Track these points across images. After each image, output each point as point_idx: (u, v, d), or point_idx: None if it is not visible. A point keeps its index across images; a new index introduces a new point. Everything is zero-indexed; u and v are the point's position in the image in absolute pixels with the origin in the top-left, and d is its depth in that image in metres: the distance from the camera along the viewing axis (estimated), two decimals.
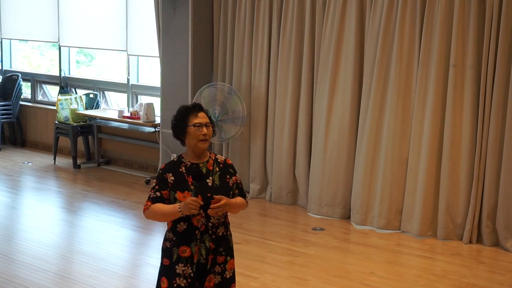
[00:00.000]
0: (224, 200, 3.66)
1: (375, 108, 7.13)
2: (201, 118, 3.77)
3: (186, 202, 3.60)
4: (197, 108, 3.81)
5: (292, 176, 7.95)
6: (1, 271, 5.88)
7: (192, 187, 3.68)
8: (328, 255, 6.44)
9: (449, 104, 6.74)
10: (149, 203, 3.73)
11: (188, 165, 3.77)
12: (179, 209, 3.63)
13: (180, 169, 3.75)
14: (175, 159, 3.82)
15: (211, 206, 3.63)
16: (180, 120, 3.79)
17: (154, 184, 3.76)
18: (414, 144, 6.97)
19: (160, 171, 3.78)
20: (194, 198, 3.61)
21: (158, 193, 3.72)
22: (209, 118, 3.83)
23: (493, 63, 6.50)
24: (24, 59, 11.61)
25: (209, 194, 3.69)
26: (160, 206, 3.69)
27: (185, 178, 3.72)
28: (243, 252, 6.38)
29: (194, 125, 3.74)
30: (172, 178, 3.73)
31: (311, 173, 7.66)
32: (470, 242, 6.76)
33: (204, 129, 3.75)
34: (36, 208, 7.86)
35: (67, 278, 5.78)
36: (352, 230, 7.23)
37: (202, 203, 3.64)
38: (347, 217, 7.52)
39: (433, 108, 6.80)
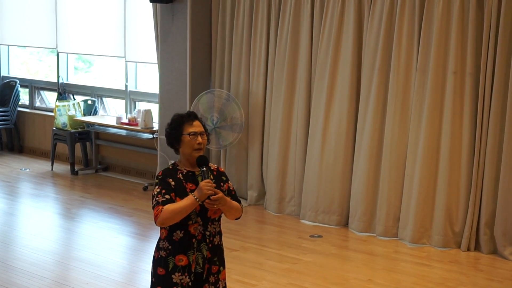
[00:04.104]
0: (221, 193, 3.64)
1: (375, 115, 7.13)
2: (196, 127, 3.75)
3: (200, 187, 3.59)
4: (192, 116, 3.78)
5: (289, 184, 7.93)
6: None
7: (200, 174, 3.70)
8: (326, 262, 6.44)
9: (448, 111, 6.74)
10: (160, 207, 3.61)
11: (184, 172, 3.75)
12: (195, 197, 3.60)
13: (178, 176, 3.73)
14: (170, 167, 3.79)
15: (211, 197, 3.60)
16: (175, 129, 3.76)
17: (158, 190, 3.67)
18: (412, 151, 6.97)
19: (160, 177, 3.72)
20: (206, 180, 3.62)
21: (167, 196, 3.64)
22: (204, 126, 3.81)
23: (492, 70, 6.51)
24: (22, 65, 11.61)
25: (206, 200, 3.65)
26: (173, 205, 3.61)
27: (183, 185, 3.70)
28: (241, 259, 6.37)
29: (189, 134, 3.72)
30: (173, 183, 3.69)
31: (307, 180, 7.65)
32: (468, 249, 6.76)
33: (199, 138, 3.73)
34: (34, 215, 7.85)
35: (64, 284, 5.77)
36: (350, 237, 7.22)
37: (214, 184, 3.65)
38: (343, 224, 7.51)
39: (431, 115, 6.80)
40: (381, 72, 7.07)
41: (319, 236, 7.19)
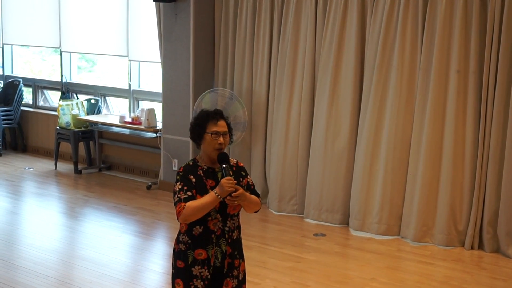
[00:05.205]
0: (241, 190, 3.68)
1: (378, 114, 7.13)
2: (220, 126, 3.77)
3: (221, 184, 3.63)
4: (218, 115, 3.80)
5: (292, 182, 7.92)
6: (2, 276, 5.88)
7: (220, 171, 3.74)
8: (329, 261, 6.44)
9: (451, 110, 6.74)
10: (183, 204, 3.65)
11: (204, 169, 3.78)
12: (216, 194, 3.64)
13: (198, 173, 3.76)
14: (190, 163, 3.82)
15: (232, 194, 3.64)
16: (198, 126, 3.79)
17: (180, 187, 3.70)
18: (415, 149, 6.97)
19: (181, 173, 3.75)
20: (227, 178, 3.66)
21: (189, 193, 3.68)
22: (228, 125, 3.83)
23: (495, 68, 6.51)
24: (25, 65, 11.62)
25: (227, 197, 3.69)
26: (196, 202, 3.65)
27: (204, 182, 3.74)
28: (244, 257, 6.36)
29: (211, 133, 3.75)
30: (194, 180, 3.73)
31: (311, 179, 7.65)
32: (472, 248, 6.75)
33: (221, 139, 3.75)
34: (37, 214, 7.86)
35: (68, 283, 5.78)
36: (353, 236, 7.22)
37: (235, 181, 3.68)
38: (346, 223, 7.51)
39: (434, 113, 6.80)
40: (382, 70, 7.07)
41: (323, 235, 7.19)
